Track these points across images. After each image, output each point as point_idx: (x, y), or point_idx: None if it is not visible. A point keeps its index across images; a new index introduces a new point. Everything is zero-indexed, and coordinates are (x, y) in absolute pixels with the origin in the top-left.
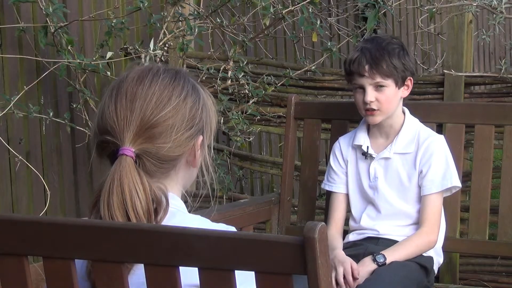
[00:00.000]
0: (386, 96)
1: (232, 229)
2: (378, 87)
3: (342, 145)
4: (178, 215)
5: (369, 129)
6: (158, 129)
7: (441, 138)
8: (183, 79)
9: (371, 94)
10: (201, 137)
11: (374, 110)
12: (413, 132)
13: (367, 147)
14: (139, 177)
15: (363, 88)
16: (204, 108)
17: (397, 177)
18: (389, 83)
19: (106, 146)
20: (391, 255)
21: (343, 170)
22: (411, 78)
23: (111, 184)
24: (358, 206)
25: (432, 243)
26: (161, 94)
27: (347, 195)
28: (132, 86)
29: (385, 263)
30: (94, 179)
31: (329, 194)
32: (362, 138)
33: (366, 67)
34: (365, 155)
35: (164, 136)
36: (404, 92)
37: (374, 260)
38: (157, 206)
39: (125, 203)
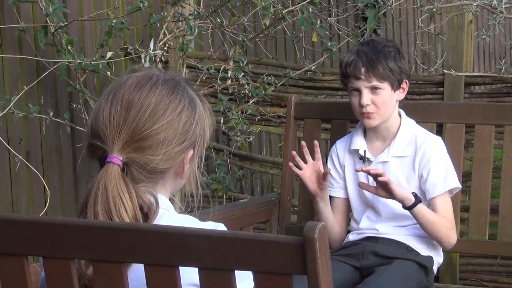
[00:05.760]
0: (382, 99)
1: (221, 226)
2: (374, 89)
3: (339, 149)
4: (166, 216)
5: (365, 132)
6: (148, 142)
7: (438, 140)
8: (182, 92)
9: (367, 97)
10: (191, 151)
11: (370, 113)
12: (410, 134)
13: (364, 151)
14: (125, 185)
15: (359, 91)
16: (199, 122)
17: (395, 180)
18: (385, 86)
19: (95, 151)
20: (423, 208)
21: (340, 175)
22: (407, 81)
23: (97, 191)
24: (358, 210)
25: (451, 241)
26: (156, 106)
27: (347, 199)
28: (129, 93)
29: (416, 205)
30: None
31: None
32: (359, 142)
33: (363, 69)
34: (363, 159)
35: (153, 149)
36: (400, 95)
37: (416, 196)
38: (148, 210)
39: (109, 211)
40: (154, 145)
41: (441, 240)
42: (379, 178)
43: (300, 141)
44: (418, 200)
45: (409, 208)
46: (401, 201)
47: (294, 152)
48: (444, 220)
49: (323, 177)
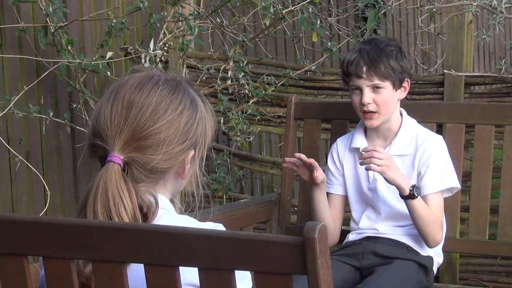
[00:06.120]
0: (383, 98)
1: (220, 227)
2: (375, 88)
3: (339, 147)
4: (165, 216)
5: (366, 131)
6: (148, 141)
7: (439, 138)
8: (183, 92)
9: (368, 96)
10: (192, 152)
11: (372, 113)
12: (411, 133)
13: None
14: (125, 185)
15: (360, 90)
16: (200, 122)
17: None
18: (387, 85)
19: (96, 150)
20: (418, 202)
21: (340, 172)
22: (408, 80)
23: (97, 190)
24: (358, 208)
25: (437, 240)
26: (157, 105)
27: (345, 197)
28: (130, 93)
29: (410, 198)
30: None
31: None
32: (360, 141)
33: (364, 68)
34: None
35: (154, 148)
36: (401, 94)
37: (413, 188)
38: (147, 210)
39: (108, 210)
40: (154, 144)
41: (427, 237)
42: (374, 169)
43: (300, 141)
44: (411, 195)
45: (404, 198)
46: (397, 188)
47: (290, 159)
48: (435, 218)
49: (315, 178)
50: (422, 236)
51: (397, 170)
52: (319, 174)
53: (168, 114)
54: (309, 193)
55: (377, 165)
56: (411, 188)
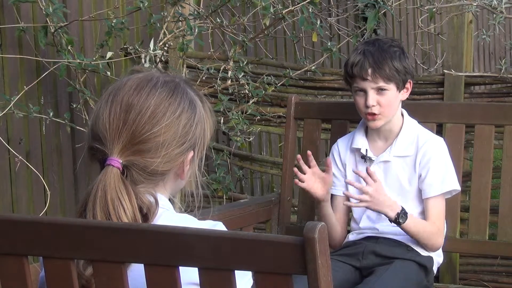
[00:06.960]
0: (387, 100)
1: (220, 225)
2: (380, 90)
3: (341, 148)
4: (164, 215)
5: (367, 131)
6: (147, 145)
7: (440, 140)
8: (181, 94)
9: (372, 98)
10: (191, 153)
11: (376, 114)
12: (412, 134)
13: (366, 150)
14: (125, 188)
15: (364, 91)
16: (199, 123)
17: (397, 180)
18: (391, 87)
19: (95, 154)
20: (411, 221)
21: (342, 173)
22: (411, 81)
23: (95, 194)
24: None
25: (436, 246)
26: (156, 108)
27: (348, 197)
28: (128, 95)
29: (400, 223)
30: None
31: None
32: (361, 141)
33: (369, 70)
34: (364, 158)
35: (153, 152)
36: (404, 95)
37: (399, 214)
38: (147, 211)
39: (108, 213)
40: (153, 148)
41: (425, 246)
42: (360, 205)
43: (301, 141)
44: (397, 222)
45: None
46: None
47: (299, 156)
48: (428, 228)
49: (327, 171)
50: (421, 245)
51: (381, 200)
52: (327, 175)
53: (166, 117)
54: (318, 211)
55: (363, 201)
56: (396, 216)
